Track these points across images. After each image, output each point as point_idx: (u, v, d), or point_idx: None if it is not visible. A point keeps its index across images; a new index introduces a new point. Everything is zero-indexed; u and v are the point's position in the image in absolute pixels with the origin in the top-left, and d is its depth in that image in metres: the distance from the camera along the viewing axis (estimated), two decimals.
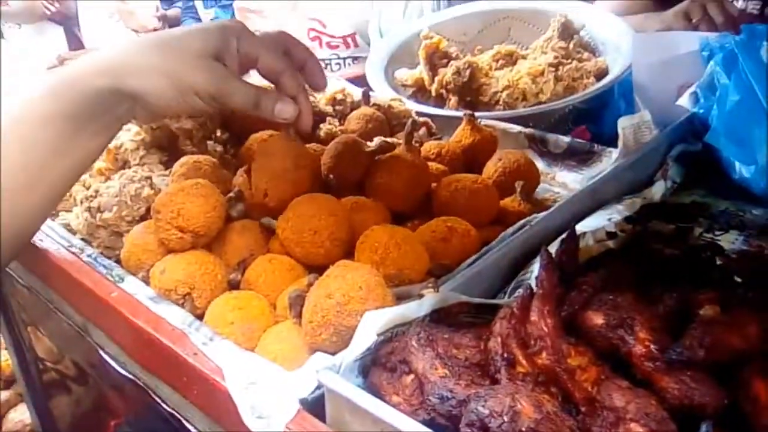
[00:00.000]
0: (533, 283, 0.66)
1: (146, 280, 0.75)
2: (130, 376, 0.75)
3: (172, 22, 2.86)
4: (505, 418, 0.44)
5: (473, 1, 1.51)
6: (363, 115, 1.01)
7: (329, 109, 1.07)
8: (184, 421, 0.69)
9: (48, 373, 1.09)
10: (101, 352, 0.79)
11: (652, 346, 0.50)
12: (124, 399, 0.86)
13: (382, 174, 0.83)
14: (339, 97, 1.08)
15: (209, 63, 0.65)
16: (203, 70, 0.65)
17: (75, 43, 3.09)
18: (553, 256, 0.66)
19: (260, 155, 0.82)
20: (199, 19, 2.54)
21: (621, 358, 0.52)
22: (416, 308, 0.59)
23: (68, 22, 3.07)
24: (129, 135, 0.92)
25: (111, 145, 0.90)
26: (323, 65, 2.17)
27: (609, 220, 0.81)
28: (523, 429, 0.44)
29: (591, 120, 1.31)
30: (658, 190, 0.93)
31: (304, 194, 0.76)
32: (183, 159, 0.84)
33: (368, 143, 0.87)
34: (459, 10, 1.49)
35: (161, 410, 0.72)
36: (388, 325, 0.57)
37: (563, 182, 1.07)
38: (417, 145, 0.96)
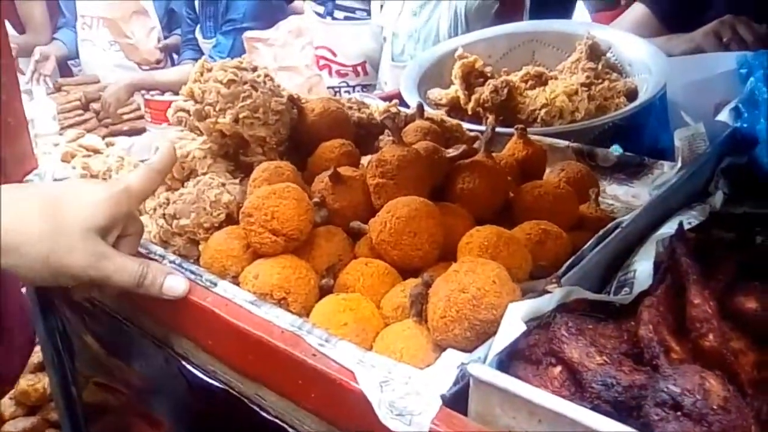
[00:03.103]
0: (640, 279, 0.68)
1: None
2: (219, 385, 0.72)
3: (173, 50, 2.84)
4: (698, 396, 0.43)
5: (498, 26, 1.55)
6: (420, 127, 1.02)
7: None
8: (289, 429, 0.66)
9: (88, 390, 1.04)
10: (184, 363, 0.76)
11: None
12: (197, 411, 0.83)
13: (465, 179, 0.83)
14: (393, 110, 1.08)
15: (89, 243, 0.65)
16: (81, 252, 0.64)
17: (67, 71, 3.04)
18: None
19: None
20: (200, 51, 2.52)
21: None
22: (547, 302, 0.59)
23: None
24: (196, 144, 0.91)
25: (177, 154, 0.88)
26: (332, 93, 2.21)
27: (689, 223, 0.83)
28: (714, 406, 0.43)
29: (623, 138, 1.34)
30: (718, 199, 0.95)
31: (401, 197, 0.75)
32: (263, 165, 0.83)
33: (447, 150, 0.87)
34: (487, 33, 1.52)
35: (254, 419, 0.70)
36: (524, 318, 0.57)
37: (614, 195, 1.09)
38: None
